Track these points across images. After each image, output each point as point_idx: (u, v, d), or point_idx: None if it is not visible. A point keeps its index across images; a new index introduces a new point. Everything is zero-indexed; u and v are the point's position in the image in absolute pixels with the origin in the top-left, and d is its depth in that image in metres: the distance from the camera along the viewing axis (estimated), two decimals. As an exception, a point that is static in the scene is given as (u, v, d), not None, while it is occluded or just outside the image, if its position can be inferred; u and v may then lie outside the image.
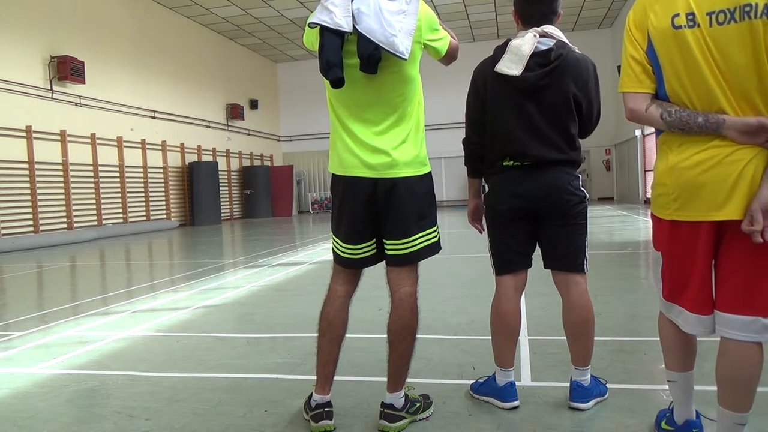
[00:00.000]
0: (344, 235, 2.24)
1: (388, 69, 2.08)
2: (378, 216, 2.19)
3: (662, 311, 1.94)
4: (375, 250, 2.26)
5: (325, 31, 2.01)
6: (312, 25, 2.06)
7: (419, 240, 2.18)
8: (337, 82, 2.03)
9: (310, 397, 2.31)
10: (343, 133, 2.18)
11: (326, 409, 2.21)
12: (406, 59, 2.03)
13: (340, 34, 2.01)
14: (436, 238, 2.25)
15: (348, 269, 2.29)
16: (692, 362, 1.94)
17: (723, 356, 1.73)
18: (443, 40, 2.23)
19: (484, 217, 2.58)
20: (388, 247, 2.21)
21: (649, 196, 18.36)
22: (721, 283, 1.71)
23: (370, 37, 1.97)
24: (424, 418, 2.30)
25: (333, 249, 2.32)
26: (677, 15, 1.65)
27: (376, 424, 2.24)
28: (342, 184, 2.21)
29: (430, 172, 2.25)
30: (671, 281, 1.83)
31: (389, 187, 2.14)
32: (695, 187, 1.67)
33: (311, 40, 2.18)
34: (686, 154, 1.69)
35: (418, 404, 2.30)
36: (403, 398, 2.25)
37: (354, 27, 2.00)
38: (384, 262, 2.28)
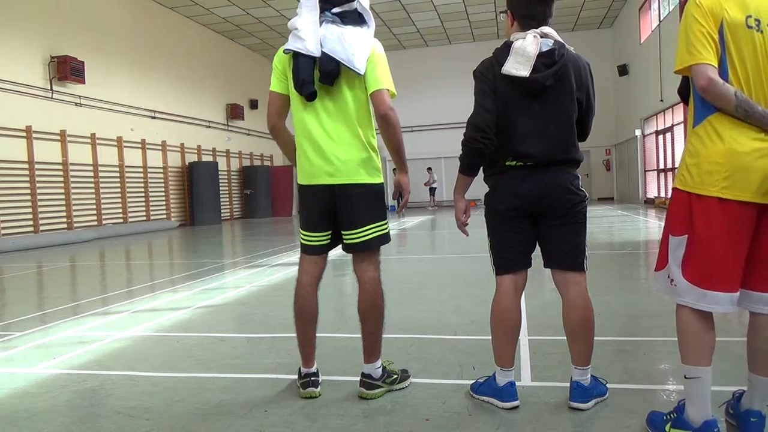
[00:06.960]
0: (306, 226, 2.69)
1: (345, 84, 2.50)
2: (335, 213, 2.59)
3: (679, 298, 1.94)
4: (329, 240, 2.67)
5: (299, 55, 2.46)
6: (287, 51, 2.50)
7: (370, 231, 2.56)
8: (311, 96, 2.50)
9: (300, 369, 2.68)
10: (305, 142, 2.56)
11: (312, 378, 2.60)
12: (362, 75, 2.47)
13: (312, 58, 2.46)
14: (385, 231, 2.62)
15: (310, 255, 2.70)
16: (711, 357, 1.94)
17: (760, 332, 1.94)
18: (384, 81, 2.47)
19: (483, 217, 2.57)
20: (345, 237, 2.60)
21: (649, 196, 18.44)
22: (760, 264, 1.89)
23: (333, 56, 2.43)
24: (400, 389, 2.61)
25: (300, 240, 2.74)
26: (750, 16, 1.87)
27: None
28: (305, 192, 2.61)
29: (381, 183, 2.60)
30: (704, 262, 1.88)
31: (344, 192, 2.52)
32: (748, 171, 1.82)
33: (283, 63, 2.58)
34: (741, 140, 1.84)
35: (395, 376, 2.63)
36: (380, 369, 2.59)
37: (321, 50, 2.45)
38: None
